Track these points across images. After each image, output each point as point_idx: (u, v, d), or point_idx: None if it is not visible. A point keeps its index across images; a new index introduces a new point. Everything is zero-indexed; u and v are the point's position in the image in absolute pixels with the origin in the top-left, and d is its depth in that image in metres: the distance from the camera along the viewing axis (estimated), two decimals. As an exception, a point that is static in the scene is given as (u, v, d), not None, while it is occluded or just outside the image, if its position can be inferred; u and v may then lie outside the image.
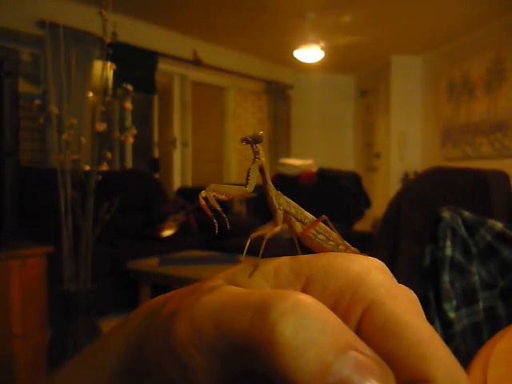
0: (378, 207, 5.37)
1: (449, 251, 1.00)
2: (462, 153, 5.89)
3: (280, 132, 6.92)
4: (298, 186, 4.99)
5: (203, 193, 0.28)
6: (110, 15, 1.45)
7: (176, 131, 5.91)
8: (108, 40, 1.43)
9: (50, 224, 2.19)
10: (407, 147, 6.65)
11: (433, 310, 0.95)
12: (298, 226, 0.30)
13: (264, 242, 0.27)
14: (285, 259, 0.25)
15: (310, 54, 5.54)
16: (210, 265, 3.22)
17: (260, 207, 4.89)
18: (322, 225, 0.30)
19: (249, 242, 0.28)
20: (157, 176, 5.41)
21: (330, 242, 0.30)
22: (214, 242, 4.21)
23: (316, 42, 5.42)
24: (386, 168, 6.73)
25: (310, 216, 0.31)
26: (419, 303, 0.23)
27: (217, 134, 6.66)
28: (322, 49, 5.53)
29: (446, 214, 1.01)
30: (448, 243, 0.99)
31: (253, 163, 0.30)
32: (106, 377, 0.28)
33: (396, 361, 0.19)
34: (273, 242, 3.71)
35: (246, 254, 0.29)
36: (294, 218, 0.30)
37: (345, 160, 7.27)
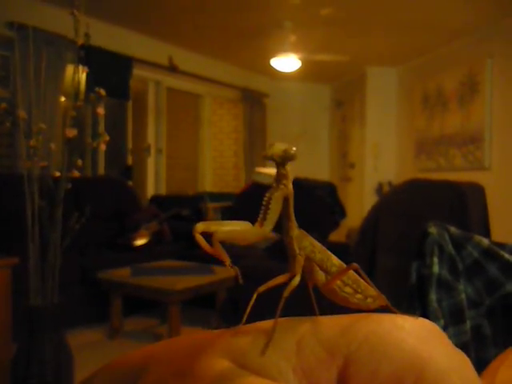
0: (353, 217, 5.37)
1: (436, 268, 0.96)
2: (436, 164, 5.94)
3: (255, 140, 6.88)
4: (273, 196, 4.94)
5: (199, 228, 0.21)
6: (83, 16, 1.38)
7: (150, 138, 5.82)
8: (80, 41, 1.37)
9: (15, 234, 2.10)
10: (381, 158, 6.68)
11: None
12: (322, 276, 0.23)
13: (282, 302, 0.20)
14: (307, 327, 0.19)
15: (286, 62, 5.52)
16: (184, 275, 3.15)
17: (235, 215, 4.84)
18: (351, 273, 0.24)
19: (255, 297, 0.21)
20: (130, 183, 5.31)
21: (358, 296, 0.24)
22: (188, 250, 4.13)
23: (293, 50, 5.41)
24: (361, 178, 6.76)
25: (338, 262, 0.24)
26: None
27: (192, 142, 6.59)
28: (299, 58, 5.53)
29: (433, 230, 0.97)
30: (435, 260, 0.95)
31: (276, 191, 0.23)
32: None
33: None
34: (247, 251, 3.65)
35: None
36: (317, 267, 0.23)
37: (320, 170, 7.27)
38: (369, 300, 0.24)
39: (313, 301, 0.22)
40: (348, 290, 0.24)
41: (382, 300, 0.24)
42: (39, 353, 1.56)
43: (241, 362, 0.18)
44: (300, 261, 0.23)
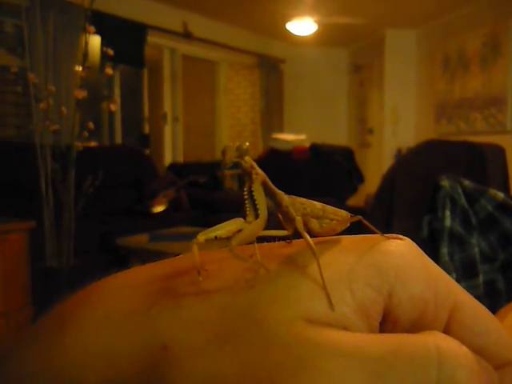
0: (371, 183, 5.32)
1: (448, 222, 0.94)
2: (456, 128, 5.83)
3: (273, 107, 6.81)
4: (290, 161, 4.92)
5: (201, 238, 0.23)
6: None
7: (166, 106, 5.80)
8: (86, 3, 1.34)
9: (32, 199, 2.12)
10: (401, 123, 6.58)
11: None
12: (315, 224, 0.26)
13: (317, 262, 0.21)
14: (347, 269, 0.21)
15: (302, 26, 5.43)
16: (200, 241, 3.16)
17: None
18: (319, 206, 0.26)
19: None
20: (147, 152, 5.32)
21: (334, 222, 0.26)
22: (205, 217, 4.15)
23: (309, 14, 5.30)
24: (379, 144, 6.67)
25: (327, 207, 0.26)
26: None
27: (208, 109, 6.55)
28: (315, 21, 5.42)
29: (446, 183, 0.95)
30: (447, 213, 0.94)
31: (252, 183, 0.24)
32: None
33: (488, 353, 0.21)
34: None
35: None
36: (311, 218, 0.26)
37: (338, 135, 7.19)
38: (336, 222, 0.26)
39: (314, 250, 0.22)
40: (327, 221, 0.26)
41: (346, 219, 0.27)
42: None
43: (311, 318, 0.19)
44: (299, 221, 0.25)
